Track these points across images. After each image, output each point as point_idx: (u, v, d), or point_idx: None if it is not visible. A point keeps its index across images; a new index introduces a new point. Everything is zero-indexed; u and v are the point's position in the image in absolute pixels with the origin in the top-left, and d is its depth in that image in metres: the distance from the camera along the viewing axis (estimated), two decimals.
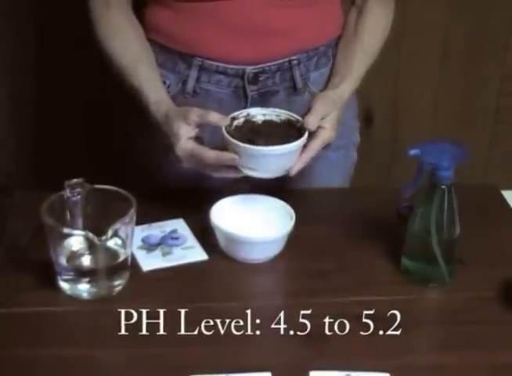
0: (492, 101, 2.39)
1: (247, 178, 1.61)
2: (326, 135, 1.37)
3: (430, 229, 1.24)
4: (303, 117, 1.36)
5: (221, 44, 1.47)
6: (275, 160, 1.32)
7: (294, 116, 1.38)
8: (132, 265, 1.28)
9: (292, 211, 1.35)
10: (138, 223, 1.27)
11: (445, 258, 1.26)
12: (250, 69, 1.49)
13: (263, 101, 1.53)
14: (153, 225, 1.39)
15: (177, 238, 1.37)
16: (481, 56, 2.32)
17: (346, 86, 1.48)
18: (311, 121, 1.35)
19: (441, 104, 2.39)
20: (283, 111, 1.40)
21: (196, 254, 1.34)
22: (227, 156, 1.30)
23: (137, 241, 1.34)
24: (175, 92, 1.52)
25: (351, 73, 1.50)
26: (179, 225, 1.40)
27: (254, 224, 1.36)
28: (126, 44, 1.47)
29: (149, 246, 1.35)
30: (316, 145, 1.36)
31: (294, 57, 1.51)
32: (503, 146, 2.46)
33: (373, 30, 1.55)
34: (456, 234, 1.26)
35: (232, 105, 1.52)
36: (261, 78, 1.51)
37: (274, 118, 1.39)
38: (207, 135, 1.37)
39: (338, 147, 1.62)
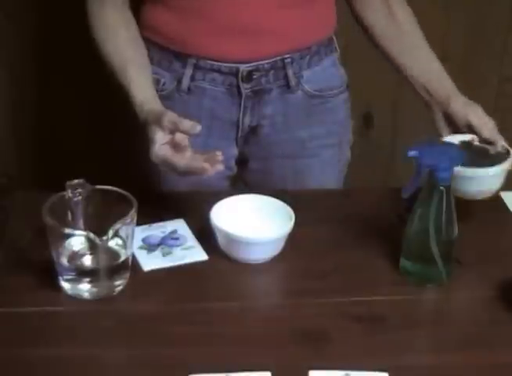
0: (491, 102, 2.40)
1: (243, 178, 1.64)
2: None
3: (428, 230, 1.25)
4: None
5: (216, 43, 1.49)
6: (490, 181, 1.37)
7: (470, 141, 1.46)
8: (133, 265, 1.28)
9: (292, 212, 1.35)
10: (138, 224, 1.28)
11: (443, 258, 1.26)
12: (244, 67, 1.50)
13: (257, 99, 1.54)
14: (154, 225, 1.40)
15: (177, 238, 1.37)
16: (479, 57, 2.33)
17: (451, 88, 1.56)
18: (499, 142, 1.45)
19: None
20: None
21: (196, 254, 1.34)
22: (197, 165, 1.29)
23: (137, 241, 1.34)
24: (170, 89, 1.53)
25: (440, 74, 1.58)
26: (179, 226, 1.41)
27: (254, 224, 1.36)
28: (118, 43, 1.48)
29: (149, 246, 1.35)
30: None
31: (287, 56, 1.52)
32: None
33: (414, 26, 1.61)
34: (454, 235, 1.27)
35: (227, 102, 1.54)
36: (254, 76, 1.52)
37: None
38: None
39: (332, 145, 1.64)
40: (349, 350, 1.16)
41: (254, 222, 1.37)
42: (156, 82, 1.52)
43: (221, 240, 1.34)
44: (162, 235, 1.38)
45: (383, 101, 2.34)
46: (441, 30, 2.28)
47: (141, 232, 1.36)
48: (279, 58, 1.52)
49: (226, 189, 1.63)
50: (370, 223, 1.42)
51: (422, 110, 2.38)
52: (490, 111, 2.38)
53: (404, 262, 1.31)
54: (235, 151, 1.62)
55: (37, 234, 1.26)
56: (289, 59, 1.53)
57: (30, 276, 1.26)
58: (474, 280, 1.31)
